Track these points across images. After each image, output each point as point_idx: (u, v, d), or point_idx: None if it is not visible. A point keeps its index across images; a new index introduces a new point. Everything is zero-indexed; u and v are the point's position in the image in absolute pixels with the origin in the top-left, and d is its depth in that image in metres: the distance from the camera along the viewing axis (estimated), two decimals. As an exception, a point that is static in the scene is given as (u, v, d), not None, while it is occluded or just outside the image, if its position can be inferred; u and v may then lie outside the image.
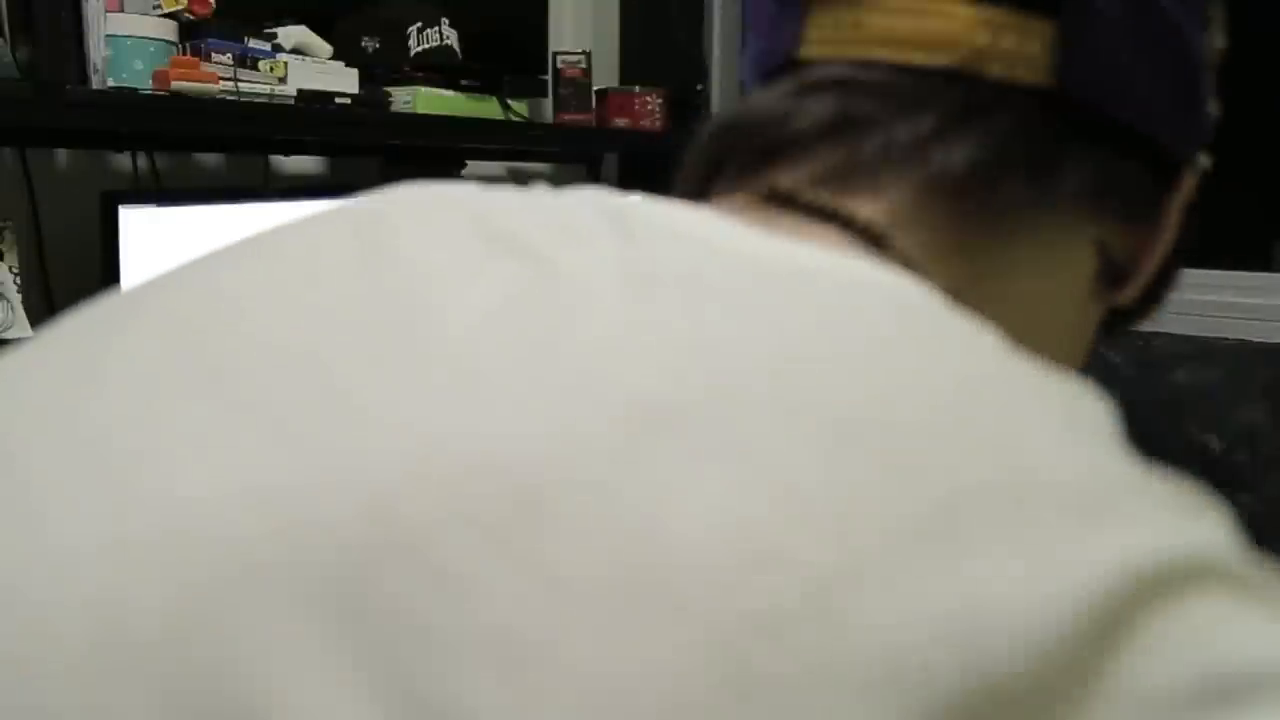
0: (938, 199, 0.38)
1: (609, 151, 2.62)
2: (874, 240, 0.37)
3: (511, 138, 2.24)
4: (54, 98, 1.38)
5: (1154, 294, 0.50)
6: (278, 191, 1.91)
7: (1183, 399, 2.15)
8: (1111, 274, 0.45)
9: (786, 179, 0.39)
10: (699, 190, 0.43)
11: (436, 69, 1.97)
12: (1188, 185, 0.46)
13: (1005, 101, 0.38)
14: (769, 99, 0.41)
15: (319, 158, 2.12)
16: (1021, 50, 0.38)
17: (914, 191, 0.38)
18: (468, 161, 2.28)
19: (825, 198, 0.38)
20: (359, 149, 2.10)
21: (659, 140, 2.44)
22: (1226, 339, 2.12)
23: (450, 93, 1.99)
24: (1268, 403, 2.07)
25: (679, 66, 2.56)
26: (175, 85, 1.48)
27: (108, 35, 1.46)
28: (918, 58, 0.38)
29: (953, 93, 0.38)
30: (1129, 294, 0.47)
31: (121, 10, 1.49)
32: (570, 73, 2.33)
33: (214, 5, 1.58)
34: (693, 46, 2.58)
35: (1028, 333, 0.37)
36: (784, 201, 0.39)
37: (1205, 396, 2.13)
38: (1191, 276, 2.24)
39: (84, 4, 1.42)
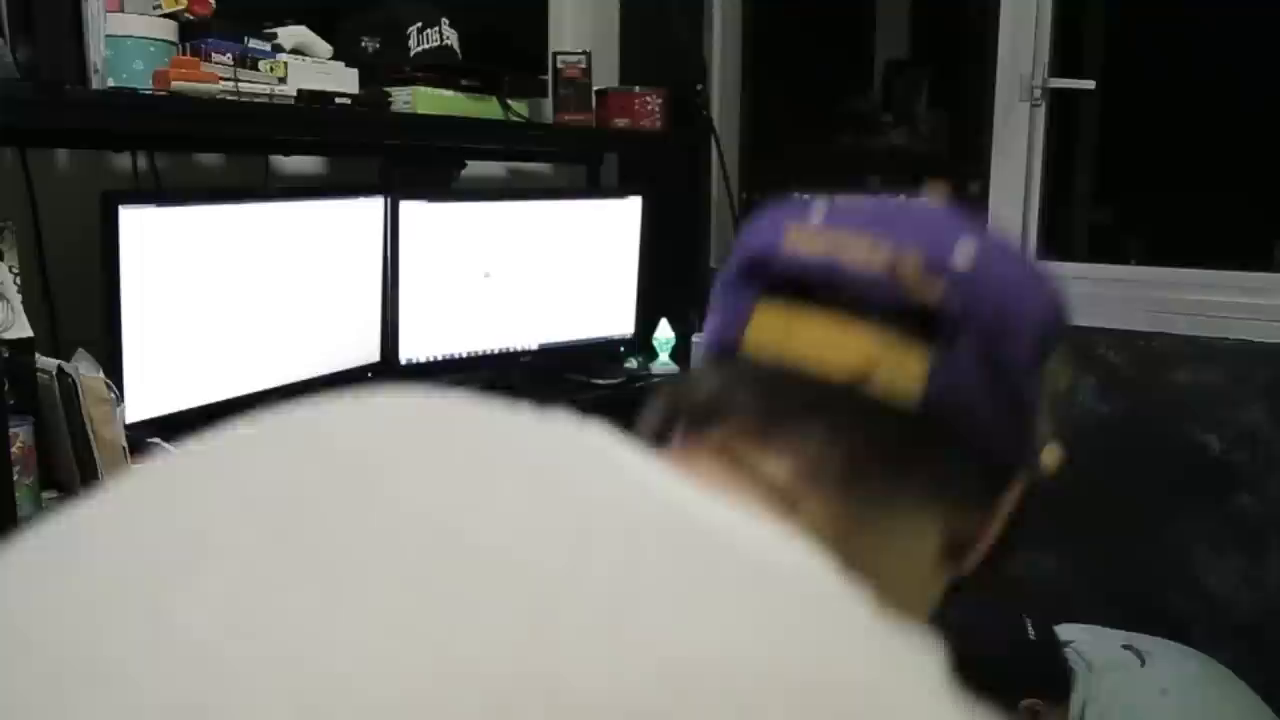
0: (825, 482, 0.50)
1: (609, 151, 2.62)
2: (785, 500, 0.49)
3: (511, 138, 2.24)
4: (54, 98, 1.38)
5: (992, 564, 0.59)
6: (278, 191, 1.91)
7: (1183, 399, 2.15)
8: (955, 549, 0.56)
9: (718, 441, 0.52)
10: (660, 436, 0.54)
11: (436, 69, 1.97)
12: (1017, 489, 0.57)
13: (880, 413, 0.51)
14: (711, 383, 0.54)
15: (319, 158, 2.12)
16: (897, 380, 0.51)
17: (810, 473, 0.50)
18: (467, 161, 2.29)
19: (750, 461, 0.50)
20: (359, 149, 2.10)
21: (659, 140, 2.45)
22: (1226, 339, 2.12)
23: (450, 93, 1.99)
24: (1268, 403, 2.07)
25: (679, 66, 2.55)
26: (175, 85, 1.48)
27: (108, 35, 1.46)
28: (823, 371, 0.51)
29: (842, 403, 0.51)
30: (969, 564, 0.57)
31: (121, 10, 1.49)
32: (570, 73, 2.33)
33: (214, 5, 1.58)
34: (693, 46, 2.58)
35: (891, 588, 0.45)
36: (721, 456, 0.51)
37: (1205, 396, 2.13)
38: (1191, 276, 2.25)
39: (84, 4, 1.42)
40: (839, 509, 0.50)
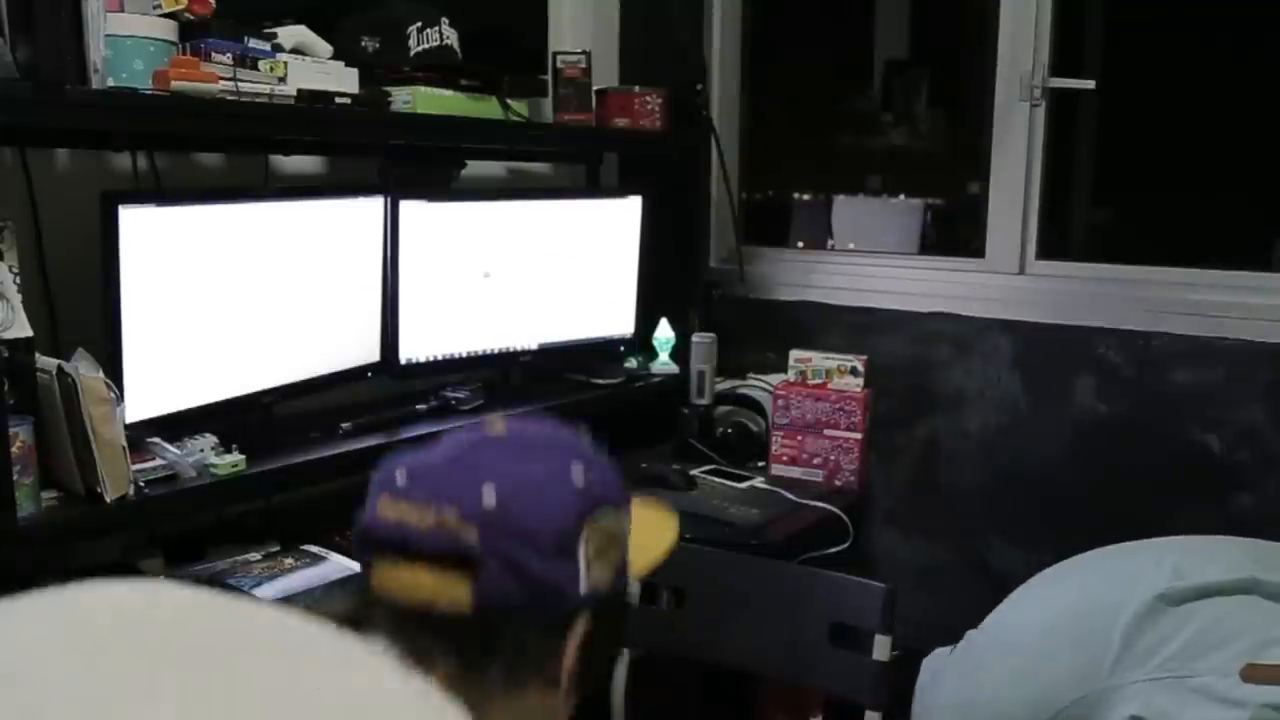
0: (441, 672, 0.77)
1: (608, 151, 2.62)
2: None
3: (511, 138, 2.24)
4: (54, 98, 1.38)
5: (588, 672, 0.83)
6: (277, 191, 1.91)
7: (1183, 399, 2.15)
8: (552, 683, 0.80)
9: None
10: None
11: (436, 69, 1.97)
12: (580, 623, 0.80)
13: (449, 623, 0.77)
14: (380, 622, 0.80)
15: (319, 157, 2.12)
16: (452, 600, 0.76)
17: (426, 665, 0.77)
18: (467, 161, 2.29)
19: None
20: (359, 149, 2.10)
21: (659, 140, 2.45)
22: (1226, 339, 2.12)
23: (450, 93, 1.99)
24: (1268, 403, 2.07)
25: (679, 66, 2.55)
26: (175, 85, 1.48)
27: (108, 35, 1.46)
28: (412, 597, 0.78)
29: (425, 620, 0.77)
30: (571, 687, 0.82)
31: (121, 10, 1.49)
32: (570, 73, 2.33)
33: (214, 5, 1.58)
34: (693, 46, 2.58)
35: None
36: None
37: (1205, 396, 2.13)
38: (1191, 276, 2.25)
39: (84, 4, 1.42)
40: (459, 688, 0.75)
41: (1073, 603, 1.66)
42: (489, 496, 0.77)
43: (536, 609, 0.78)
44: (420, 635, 0.78)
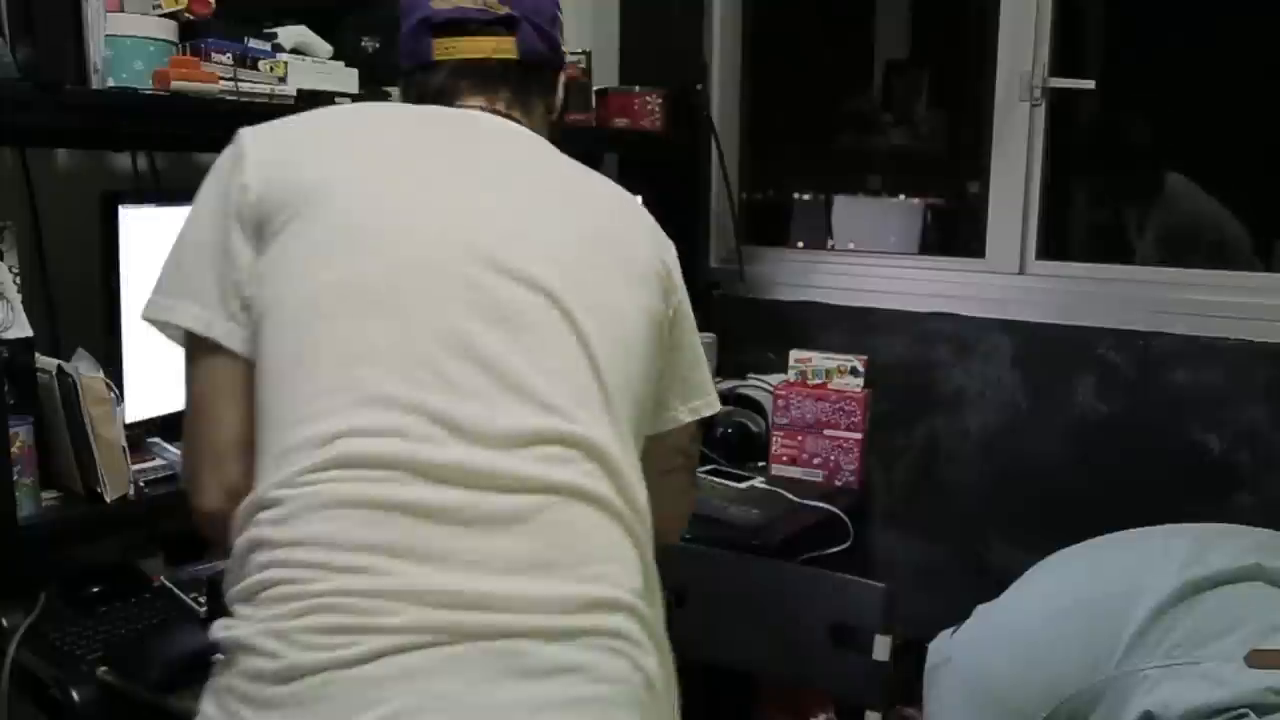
0: (513, 102, 1.17)
1: (609, 151, 2.62)
2: (510, 111, 1.16)
3: (511, 138, 2.23)
4: (54, 98, 1.38)
5: (565, 107, 1.28)
6: (278, 191, 1.91)
7: (1183, 399, 2.15)
8: (551, 109, 1.23)
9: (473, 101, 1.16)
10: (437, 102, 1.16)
11: (436, 69, 1.97)
12: (562, 75, 1.24)
13: (509, 65, 1.15)
14: (438, 77, 1.15)
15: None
16: (506, 52, 1.15)
17: (507, 100, 1.17)
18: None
19: (493, 105, 1.16)
20: (359, 149, 2.10)
21: (659, 140, 2.45)
22: (1226, 339, 2.12)
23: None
24: (1268, 403, 2.07)
25: (679, 66, 2.56)
26: (175, 85, 1.48)
27: (108, 35, 1.46)
28: (475, 55, 1.14)
29: (491, 65, 1.15)
30: (559, 114, 1.24)
31: (121, 10, 1.49)
32: (570, 73, 2.33)
33: (214, 5, 1.58)
34: (693, 46, 2.58)
35: (544, 129, 1.19)
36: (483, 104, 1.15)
37: (1205, 396, 2.13)
38: (1191, 276, 2.25)
39: (84, 4, 1.42)
40: (520, 109, 1.17)
41: (1082, 591, 1.67)
42: None
43: (550, 56, 1.20)
44: (487, 78, 1.14)
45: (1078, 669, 1.59)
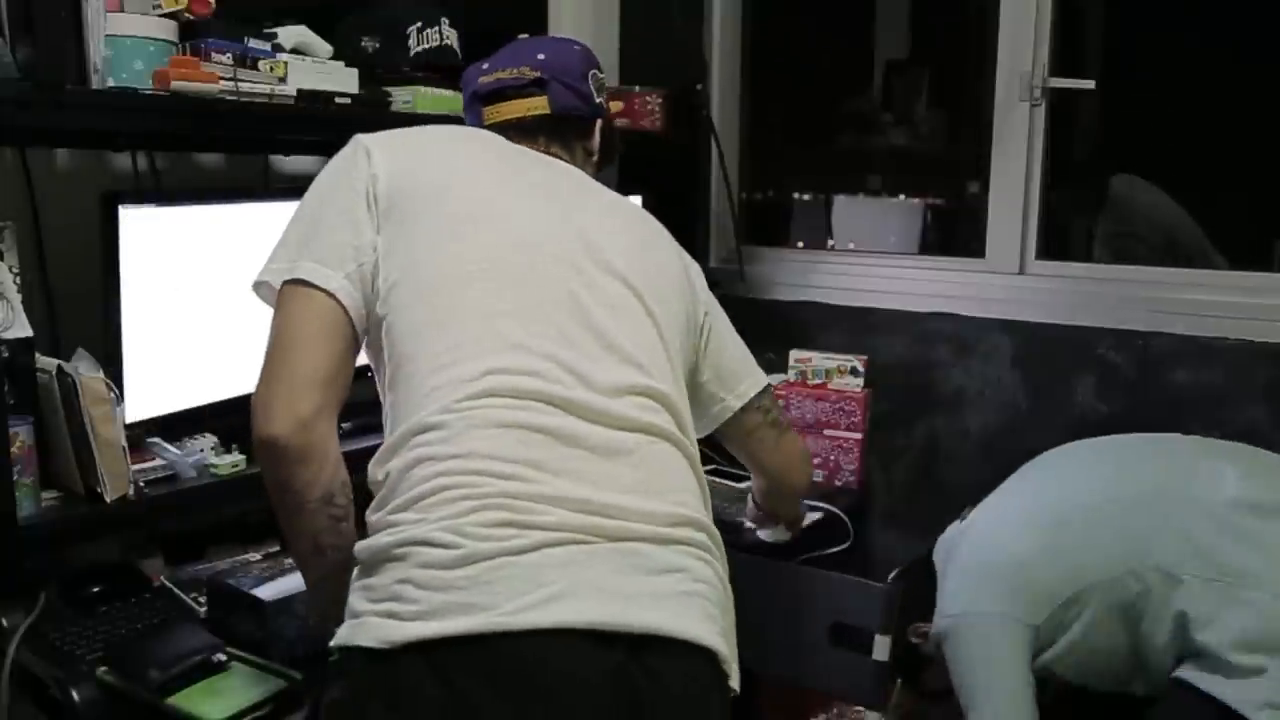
0: (568, 149, 1.48)
1: (609, 151, 2.62)
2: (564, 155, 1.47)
3: (511, 138, 2.23)
4: (54, 98, 1.38)
5: (608, 148, 1.52)
6: (278, 191, 1.91)
7: (1183, 399, 2.15)
8: (589, 155, 1.50)
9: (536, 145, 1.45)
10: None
11: (436, 69, 1.97)
12: (599, 124, 1.50)
13: (548, 120, 1.44)
14: (505, 132, 1.44)
15: (319, 157, 2.11)
16: (537, 106, 1.43)
17: (560, 147, 1.46)
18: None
19: (551, 150, 1.45)
20: (359, 149, 2.10)
21: (659, 140, 2.44)
22: (1227, 339, 2.12)
23: (450, 93, 1.98)
24: (1268, 403, 2.07)
25: (679, 66, 2.56)
26: (175, 85, 1.48)
27: (108, 35, 1.46)
28: (514, 115, 1.44)
29: (543, 120, 1.45)
30: (601, 157, 1.51)
31: (121, 10, 1.49)
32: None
33: (214, 5, 1.58)
34: (693, 46, 2.58)
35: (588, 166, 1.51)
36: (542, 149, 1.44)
37: (1205, 396, 2.13)
38: (1192, 276, 2.25)
39: (84, 4, 1.41)
40: (560, 149, 1.45)
41: (1111, 490, 1.70)
42: (542, 55, 1.44)
43: (581, 107, 1.44)
44: (525, 130, 1.42)
45: (1105, 559, 1.62)
